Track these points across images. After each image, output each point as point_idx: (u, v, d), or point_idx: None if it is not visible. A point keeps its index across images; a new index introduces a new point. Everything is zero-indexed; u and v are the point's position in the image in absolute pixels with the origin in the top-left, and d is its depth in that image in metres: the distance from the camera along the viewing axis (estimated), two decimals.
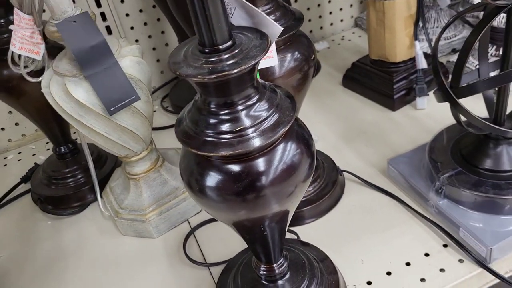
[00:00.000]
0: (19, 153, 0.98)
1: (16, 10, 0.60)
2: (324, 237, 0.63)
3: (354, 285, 0.57)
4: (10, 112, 0.97)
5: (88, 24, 0.55)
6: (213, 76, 0.36)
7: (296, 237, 0.64)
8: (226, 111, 0.39)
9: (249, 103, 0.40)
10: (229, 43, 0.37)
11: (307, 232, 0.65)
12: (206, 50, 0.37)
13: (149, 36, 1.01)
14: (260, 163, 0.41)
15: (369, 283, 0.57)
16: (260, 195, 0.41)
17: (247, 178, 0.41)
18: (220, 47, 0.37)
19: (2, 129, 0.98)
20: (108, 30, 0.96)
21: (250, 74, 0.38)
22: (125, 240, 0.71)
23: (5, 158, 0.97)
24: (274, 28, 0.38)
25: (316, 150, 0.75)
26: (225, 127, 0.39)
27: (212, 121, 0.40)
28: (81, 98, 0.57)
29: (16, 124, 0.98)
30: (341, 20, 1.18)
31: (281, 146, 0.41)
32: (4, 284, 0.68)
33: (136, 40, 1.00)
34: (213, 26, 0.36)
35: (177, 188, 0.71)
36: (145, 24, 0.99)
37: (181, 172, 0.44)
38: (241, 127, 0.39)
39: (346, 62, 0.98)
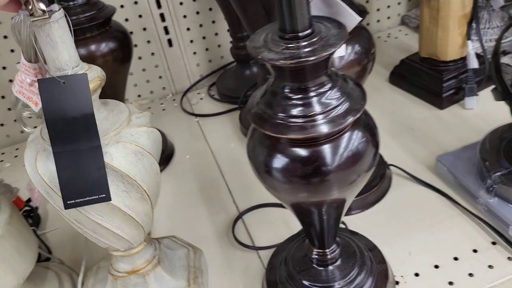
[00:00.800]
0: None
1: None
2: (371, 228, 0.64)
3: (402, 276, 0.58)
4: None
5: (81, 90, 0.42)
6: (293, 62, 0.38)
7: (344, 226, 0.65)
8: (299, 96, 0.41)
9: (321, 90, 0.41)
10: (309, 30, 0.39)
11: (354, 223, 0.66)
12: (287, 36, 0.39)
13: (200, 25, 1.03)
14: (327, 149, 0.42)
15: (416, 274, 0.58)
16: (324, 180, 0.43)
17: (313, 163, 0.42)
18: (300, 34, 0.39)
19: None
20: (162, 17, 0.98)
21: (326, 62, 0.40)
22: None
23: None
24: (351, 18, 0.40)
25: None
26: (297, 111, 0.41)
27: (285, 104, 0.41)
28: (46, 176, 0.44)
29: None
30: (388, 18, 1.18)
31: (347, 134, 0.43)
32: None
33: (188, 29, 1.02)
34: (296, 14, 0.38)
35: None
36: (197, 13, 1.02)
37: (248, 154, 0.46)
38: (312, 113, 0.41)
39: (392, 59, 0.98)
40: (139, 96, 1.07)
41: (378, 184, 0.69)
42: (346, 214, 0.68)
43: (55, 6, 0.41)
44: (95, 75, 0.45)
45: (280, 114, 0.42)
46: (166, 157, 0.87)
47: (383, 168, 0.71)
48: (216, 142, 0.90)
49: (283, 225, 0.69)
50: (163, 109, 1.04)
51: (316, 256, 0.55)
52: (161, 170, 0.84)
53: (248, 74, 1.00)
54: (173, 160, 0.88)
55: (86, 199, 0.44)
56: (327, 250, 0.54)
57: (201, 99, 1.04)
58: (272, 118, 0.42)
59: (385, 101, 0.91)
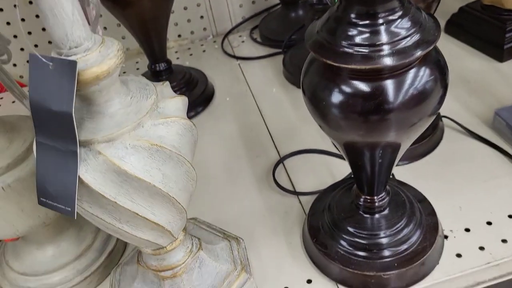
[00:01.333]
0: None
1: None
2: (418, 181, 0.61)
3: (451, 230, 0.55)
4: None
5: (67, 78, 0.33)
6: None
7: (391, 176, 0.62)
8: (366, 22, 0.37)
9: (391, 17, 0.37)
10: None
11: (402, 173, 0.63)
12: None
13: None
14: (390, 84, 0.39)
15: (467, 230, 0.55)
16: (383, 118, 0.40)
17: (375, 99, 0.39)
18: None
19: None
20: None
21: None
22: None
23: None
24: None
25: None
26: (362, 39, 0.37)
27: (350, 31, 0.38)
28: None
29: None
30: None
31: (414, 69, 0.39)
32: None
33: None
34: None
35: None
36: None
37: (303, 86, 0.43)
38: (378, 42, 0.37)
39: (449, 7, 0.91)
40: (179, 36, 1.04)
41: (430, 135, 0.65)
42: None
43: None
44: (103, 59, 0.35)
45: (343, 41, 0.38)
46: (206, 97, 0.84)
47: (436, 119, 0.67)
48: (258, 85, 0.87)
49: (326, 172, 0.66)
50: (204, 51, 1.01)
51: (364, 203, 0.52)
52: (200, 111, 0.83)
53: (294, 17, 0.95)
54: (213, 101, 0.85)
55: (55, 204, 0.37)
56: (375, 197, 0.51)
57: (243, 42, 1.01)
58: (334, 46, 0.38)
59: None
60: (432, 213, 0.54)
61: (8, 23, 0.93)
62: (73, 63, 0.33)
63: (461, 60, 0.82)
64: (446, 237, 0.54)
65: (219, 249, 0.54)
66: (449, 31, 0.89)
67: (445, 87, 0.41)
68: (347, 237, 0.52)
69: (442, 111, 0.69)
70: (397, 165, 0.64)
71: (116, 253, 0.61)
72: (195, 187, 0.43)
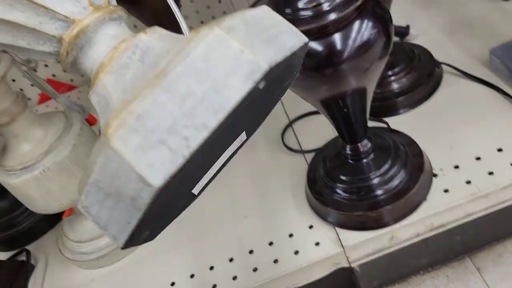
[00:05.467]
0: None
1: None
2: (415, 127, 0.64)
3: (441, 169, 0.58)
4: None
5: None
6: None
7: (386, 125, 0.66)
8: None
9: None
10: None
11: (399, 122, 0.66)
12: None
13: None
14: (337, 39, 0.44)
15: (456, 167, 0.58)
16: (337, 70, 0.45)
17: (325, 53, 0.44)
18: None
19: None
20: None
21: None
22: None
23: None
24: None
25: (414, 43, 0.75)
26: (302, 3, 0.43)
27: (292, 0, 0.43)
28: None
29: None
30: None
31: (357, 23, 0.44)
32: None
33: None
34: None
35: None
36: None
37: None
38: (316, 3, 0.42)
39: None
40: (202, 22, 1.11)
41: (425, 82, 0.68)
42: (392, 114, 0.68)
43: None
44: None
45: (287, 10, 0.43)
46: None
47: (431, 66, 0.70)
48: None
49: (328, 130, 0.71)
50: None
51: (350, 152, 0.57)
52: None
53: None
54: None
55: None
56: (358, 144, 0.56)
57: None
58: (282, 16, 0.44)
59: None
60: (419, 154, 0.58)
61: None
62: None
63: (465, 3, 0.82)
64: (435, 175, 0.58)
65: None
66: None
67: (388, 36, 0.45)
68: (340, 185, 0.58)
69: (441, 58, 0.72)
70: (397, 114, 0.68)
71: None
72: None
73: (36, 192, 0.60)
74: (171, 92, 0.25)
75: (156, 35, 0.30)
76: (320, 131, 0.72)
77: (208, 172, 0.34)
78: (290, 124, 0.75)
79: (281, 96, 0.39)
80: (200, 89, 0.25)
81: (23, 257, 0.75)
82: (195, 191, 0.34)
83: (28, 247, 0.77)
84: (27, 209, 0.73)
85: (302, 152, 0.70)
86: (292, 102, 0.79)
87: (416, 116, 0.67)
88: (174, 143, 0.25)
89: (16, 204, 0.74)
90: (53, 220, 0.80)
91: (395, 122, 0.67)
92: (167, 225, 0.33)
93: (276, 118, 0.78)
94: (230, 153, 0.36)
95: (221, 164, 0.35)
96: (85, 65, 0.31)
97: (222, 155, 0.34)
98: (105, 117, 0.29)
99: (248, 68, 0.26)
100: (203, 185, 0.35)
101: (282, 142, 0.72)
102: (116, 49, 0.30)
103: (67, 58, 0.31)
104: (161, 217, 0.31)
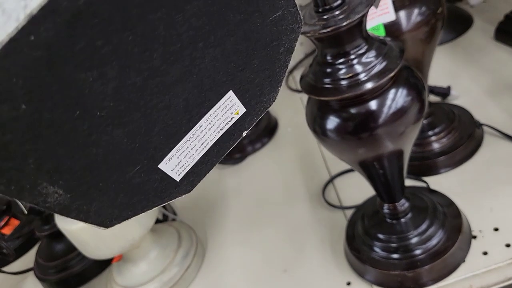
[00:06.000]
0: None
1: None
2: (455, 187, 0.65)
3: (480, 231, 0.59)
4: None
5: None
6: (325, 31, 0.43)
7: (425, 185, 0.67)
8: (340, 60, 0.46)
9: (359, 52, 0.46)
10: (339, 1, 0.44)
11: (439, 182, 0.67)
12: (320, 10, 0.44)
13: None
14: (373, 105, 0.47)
15: (496, 229, 0.58)
16: (373, 134, 0.47)
17: (361, 118, 0.47)
18: (333, 5, 0.44)
19: None
20: None
21: (358, 26, 0.44)
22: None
23: None
24: None
25: (454, 104, 0.76)
26: (341, 74, 0.46)
27: (329, 70, 0.47)
28: None
29: None
30: None
31: (392, 90, 0.47)
32: None
33: None
34: None
35: None
36: None
37: (307, 121, 0.52)
38: (353, 73, 0.46)
39: (496, 15, 0.93)
40: None
41: (465, 143, 0.69)
42: (432, 174, 0.69)
43: None
44: None
45: (325, 79, 0.47)
46: (270, 130, 0.96)
47: (472, 126, 0.71)
48: None
49: (369, 187, 0.72)
50: None
51: (388, 210, 0.58)
52: (265, 143, 0.94)
53: None
54: (277, 133, 0.97)
55: None
56: (396, 204, 0.57)
57: None
58: (320, 84, 0.47)
59: (488, 60, 0.87)
60: (457, 215, 0.59)
61: None
62: None
63: (509, 66, 0.83)
64: (474, 237, 0.58)
65: None
66: (499, 39, 0.90)
67: (421, 102, 0.47)
68: (377, 243, 0.59)
69: (482, 118, 0.73)
70: (438, 174, 0.69)
71: (194, 268, 0.73)
72: None
73: (90, 238, 0.65)
74: None
75: None
76: (360, 187, 0.73)
77: (182, 146, 0.29)
78: (331, 180, 0.77)
79: (287, 57, 0.35)
80: None
81: None
82: (164, 167, 0.30)
83: None
84: (80, 253, 0.78)
85: (342, 208, 0.72)
86: (334, 158, 0.82)
87: (456, 176, 0.68)
88: None
89: (70, 247, 0.79)
90: (104, 264, 0.84)
91: (435, 181, 0.67)
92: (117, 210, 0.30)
93: (318, 173, 0.81)
94: (218, 131, 0.31)
95: (207, 146, 0.31)
96: None
97: (202, 124, 0.30)
98: None
99: None
100: (182, 171, 0.31)
101: (323, 197, 0.75)
102: None
103: None
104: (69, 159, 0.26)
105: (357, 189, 0.73)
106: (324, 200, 0.74)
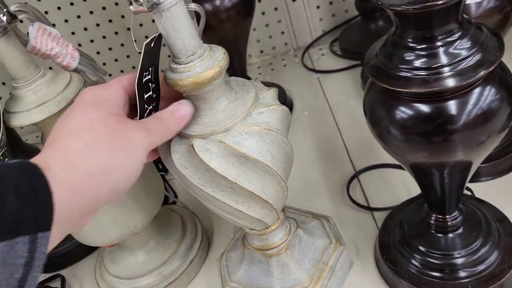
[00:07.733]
0: None
1: None
2: (501, 198, 0.58)
3: None
4: None
5: None
6: (418, 7, 0.34)
7: (470, 193, 0.60)
8: (423, 46, 0.38)
9: (449, 39, 0.37)
10: None
11: (482, 190, 0.60)
12: None
13: None
14: (453, 105, 0.38)
15: None
16: (447, 139, 0.39)
17: (437, 120, 0.39)
18: None
19: None
20: None
21: (456, 6, 0.36)
22: None
23: None
24: None
25: None
26: (421, 62, 0.38)
27: (407, 55, 0.38)
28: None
29: None
30: None
31: (478, 89, 0.38)
32: None
33: None
34: None
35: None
36: None
37: (365, 111, 0.44)
38: (438, 64, 0.37)
39: None
40: (261, 52, 1.08)
41: None
42: (474, 181, 0.62)
43: None
44: (214, 62, 0.40)
45: (401, 66, 0.39)
46: None
47: None
48: (335, 99, 0.88)
49: (401, 187, 0.65)
50: (284, 65, 1.04)
51: (436, 222, 0.51)
52: None
53: (374, 29, 0.95)
54: (292, 116, 0.88)
55: None
56: (447, 217, 0.50)
57: (323, 55, 1.02)
58: (392, 71, 0.39)
59: None
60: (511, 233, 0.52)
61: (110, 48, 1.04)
62: None
63: None
64: None
65: (312, 227, 0.59)
66: None
67: None
68: (418, 256, 0.52)
69: None
70: (478, 181, 0.63)
71: (198, 262, 0.65)
72: (291, 168, 0.49)
73: None
74: None
75: None
76: (391, 187, 0.66)
77: None
78: (356, 175, 0.70)
79: None
80: None
81: (56, 283, 0.71)
82: None
83: (62, 273, 0.72)
84: None
85: (370, 209, 0.64)
86: (359, 148, 0.74)
87: (501, 185, 0.61)
88: None
89: None
90: (90, 247, 0.75)
91: (477, 189, 0.60)
92: None
93: (339, 165, 0.73)
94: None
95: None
96: None
97: None
98: None
99: None
100: None
101: (348, 194, 0.67)
102: None
103: None
104: None
105: (387, 189, 0.66)
106: (348, 198, 0.66)
